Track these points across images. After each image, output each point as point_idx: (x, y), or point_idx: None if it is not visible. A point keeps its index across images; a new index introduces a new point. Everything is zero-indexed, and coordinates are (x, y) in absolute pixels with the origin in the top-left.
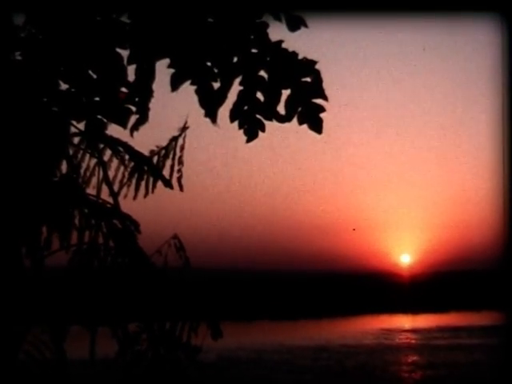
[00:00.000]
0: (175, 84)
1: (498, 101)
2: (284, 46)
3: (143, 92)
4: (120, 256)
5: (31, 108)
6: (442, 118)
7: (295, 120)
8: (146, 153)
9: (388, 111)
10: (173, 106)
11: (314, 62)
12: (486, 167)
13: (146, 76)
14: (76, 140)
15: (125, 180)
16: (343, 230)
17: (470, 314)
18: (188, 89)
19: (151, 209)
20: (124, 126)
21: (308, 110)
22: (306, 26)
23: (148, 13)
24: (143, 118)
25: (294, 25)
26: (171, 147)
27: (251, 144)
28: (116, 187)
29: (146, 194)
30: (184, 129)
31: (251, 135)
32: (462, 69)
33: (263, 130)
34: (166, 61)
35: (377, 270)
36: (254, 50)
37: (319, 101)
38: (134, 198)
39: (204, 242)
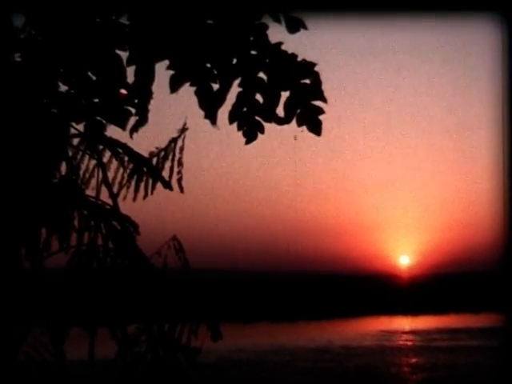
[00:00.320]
0: (174, 85)
1: (498, 101)
2: (283, 47)
3: (143, 93)
4: (119, 257)
5: (31, 109)
6: (442, 119)
7: (294, 122)
8: (146, 154)
9: (388, 112)
10: (172, 108)
11: (313, 64)
12: (486, 168)
13: (146, 77)
14: (75, 141)
15: (124, 181)
16: (343, 232)
17: (469, 315)
18: (187, 90)
19: (150, 210)
20: (123, 127)
21: (307, 111)
22: (305, 27)
23: (147, 14)
24: (143, 120)
25: (294, 27)
26: (170, 149)
27: (250, 146)
28: (115, 188)
29: (146, 196)
30: (183, 130)
31: (250, 137)
32: (462, 69)
33: (262, 132)
34: (166, 62)
35: (376, 272)
36: (253, 52)
37: (318, 103)
38: (134, 199)
39: (203, 244)
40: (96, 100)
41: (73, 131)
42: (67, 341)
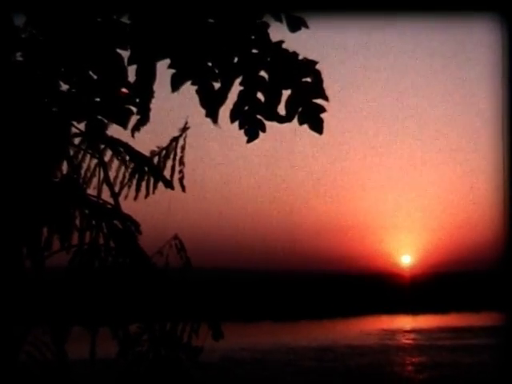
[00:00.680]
0: (176, 84)
1: (498, 101)
2: (284, 46)
3: (144, 93)
4: (121, 256)
5: (32, 109)
6: (443, 119)
7: (296, 120)
8: (147, 153)
9: (389, 111)
10: (173, 107)
11: (314, 63)
12: (487, 168)
13: (147, 77)
14: (77, 141)
15: (125, 181)
16: (344, 231)
17: (470, 314)
18: (188, 89)
19: (152, 209)
20: (125, 126)
21: (308, 110)
22: (306, 26)
23: (148, 13)
24: (144, 119)
25: (295, 25)
26: (172, 148)
27: (252, 144)
28: (117, 188)
29: (147, 195)
30: (184, 129)
31: (252, 135)
32: (462, 69)
33: (264, 131)
34: (167, 61)
35: (377, 271)
36: (254, 51)
37: (320, 101)
38: (135, 198)
39: (205, 243)
40: (97, 99)
41: (74, 130)
42: (69, 340)
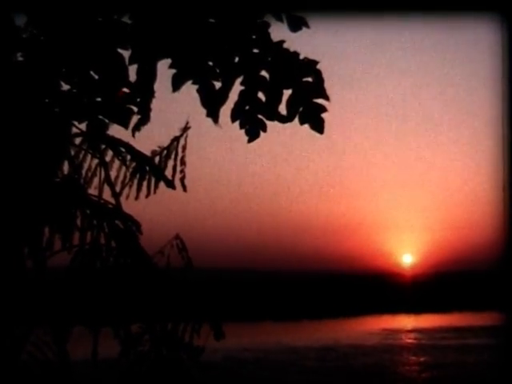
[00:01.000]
0: (177, 84)
1: (499, 101)
2: (285, 46)
3: (145, 92)
4: (122, 256)
5: (33, 109)
6: (443, 119)
7: (297, 120)
8: (148, 153)
9: (390, 111)
10: (174, 107)
11: (315, 62)
12: (487, 168)
13: (148, 76)
14: (78, 140)
15: (126, 180)
16: (346, 231)
17: (472, 314)
18: (189, 89)
19: (153, 209)
20: (126, 126)
21: (309, 109)
22: (307, 26)
23: (149, 13)
24: (145, 119)
25: (296, 25)
26: (173, 147)
27: (253, 144)
28: (118, 188)
29: (148, 195)
30: (185, 129)
31: (253, 135)
32: (462, 69)
33: (265, 130)
34: (168, 61)
35: (379, 271)
36: (255, 50)
37: (321, 101)
38: (136, 198)
39: (206, 243)
40: (98, 99)
41: (75, 130)
42: (70, 340)
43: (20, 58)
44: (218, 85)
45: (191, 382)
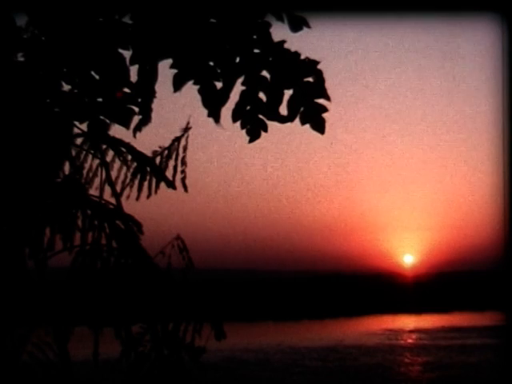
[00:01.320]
0: (178, 84)
1: (499, 101)
2: (286, 46)
3: (146, 93)
4: (123, 257)
5: (34, 109)
6: (443, 119)
7: (298, 120)
8: (149, 153)
9: (391, 111)
10: (175, 107)
11: (316, 62)
12: (488, 168)
13: (149, 77)
14: (79, 141)
15: (127, 181)
16: (347, 231)
17: (473, 314)
18: (190, 89)
19: (154, 210)
20: (127, 126)
21: (310, 110)
22: (308, 26)
23: (150, 14)
24: (146, 119)
25: (297, 25)
26: (174, 148)
27: (254, 144)
28: (119, 188)
29: (149, 195)
30: (186, 129)
31: (254, 135)
32: (462, 69)
33: (266, 130)
34: (169, 61)
35: (380, 271)
36: (256, 50)
37: (322, 101)
38: (137, 198)
39: (207, 243)
40: (99, 99)
41: (76, 131)
42: (71, 340)
43: (21, 59)
44: (219, 85)
45: (192, 382)
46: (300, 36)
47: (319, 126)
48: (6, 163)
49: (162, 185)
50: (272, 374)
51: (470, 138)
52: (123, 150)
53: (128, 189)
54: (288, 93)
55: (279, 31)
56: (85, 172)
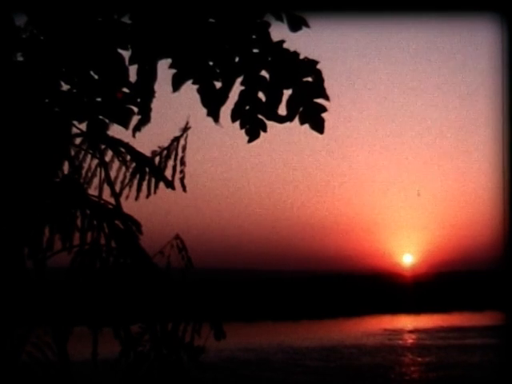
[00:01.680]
0: (177, 84)
1: (498, 101)
2: (285, 46)
3: (145, 92)
4: (122, 257)
5: (33, 109)
6: (443, 119)
7: (297, 120)
8: (148, 153)
9: (390, 111)
10: (174, 107)
11: (315, 62)
12: (487, 168)
13: (148, 76)
14: (78, 141)
15: (126, 181)
16: (347, 231)
17: (473, 314)
18: (190, 89)
19: (153, 209)
20: (126, 126)
21: (310, 109)
22: (307, 26)
23: (149, 13)
24: (145, 119)
25: (296, 25)
26: (173, 148)
27: (253, 144)
28: (117, 188)
29: (148, 195)
30: (186, 129)
31: (253, 135)
32: (462, 69)
33: (265, 130)
34: (168, 61)
35: (379, 271)
36: (255, 50)
37: (321, 101)
38: (136, 198)
39: (206, 243)
40: (98, 99)
41: (75, 130)
42: (70, 340)
43: (20, 58)
44: (218, 85)
45: (191, 382)
46: (299, 36)
47: (318, 126)
48: (5, 163)
49: (161, 185)
50: (273, 374)
51: (469, 137)
52: (122, 149)
53: (127, 189)
54: (287, 93)
55: (278, 31)
56: (84, 172)
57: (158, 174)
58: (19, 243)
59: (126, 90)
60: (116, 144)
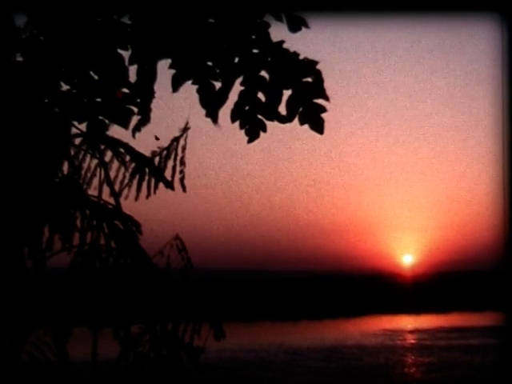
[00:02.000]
0: (176, 84)
1: (498, 101)
2: (285, 46)
3: (145, 93)
4: (122, 257)
5: (33, 109)
6: (443, 119)
7: (296, 120)
8: (148, 154)
9: (390, 111)
10: (174, 107)
11: (315, 63)
12: (487, 168)
13: (148, 77)
14: (77, 141)
15: (126, 181)
16: (346, 231)
17: (472, 314)
18: (189, 89)
19: (153, 210)
20: (125, 126)
21: (309, 110)
22: (307, 26)
23: (149, 13)
24: (145, 119)
25: (295, 25)
26: (173, 148)
27: (253, 144)
28: (117, 188)
29: (148, 195)
30: (185, 129)
31: (252, 135)
32: (462, 69)
33: (264, 131)
34: (168, 61)
35: (379, 271)
36: (255, 51)
37: (320, 101)
38: (136, 198)
39: (206, 243)
40: (98, 99)
41: (75, 131)
42: (70, 341)
43: (20, 58)
44: (217, 85)
45: (191, 382)
46: (299, 36)
47: (318, 126)
48: (4, 163)
49: (161, 185)
50: (274, 375)
51: (469, 137)
52: (122, 150)
53: (127, 189)
54: (287, 93)
55: (278, 31)
56: (83, 172)
57: (157, 174)
58: (19, 243)
59: (125, 90)
60: (116, 144)
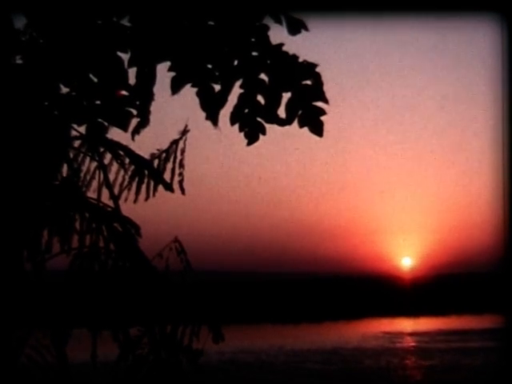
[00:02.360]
0: (176, 87)
1: (498, 102)
2: (284, 48)
3: (144, 95)
4: (121, 259)
5: (32, 112)
6: (443, 120)
7: (296, 123)
8: (147, 156)
9: (390, 113)
10: (173, 110)
11: (314, 65)
12: (487, 169)
13: (147, 79)
14: (77, 143)
15: (125, 183)
16: (345, 234)
17: (472, 317)
18: (189, 92)
19: (152, 212)
20: (125, 129)
21: (309, 112)
22: (306, 29)
23: (148, 16)
24: (144, 122)
25: (295, 28)
26: (172, 150)
27: (252, 147)
28: (116, 190)
29: (147, 198)
30: (185, 132)
31: (252, 138)
32: (462, 69)
33: (264, 133)
34: (167, 64)
35: (378, 273)
36: (254, 53)
37: (320, 104)
38: (135, 201)
39: (205, 245)
40: (97, 102)
41: (74, 133)
42: (69, 343)
43: (19, 61)
44: (217, 88)
45: None
46: (298, 39)
47: (317, 129)
48: (4, 166)
49: (160, 187)
50: (274, 377)
51: (468, 139)
52: (121, 152)
53: (126, 191)
54: (286, 96)
55: (277, 34)
56: (82, 174)
57: (156, 176)
58: (18, 245)
59: (125, 92)
60: (115, 147)
